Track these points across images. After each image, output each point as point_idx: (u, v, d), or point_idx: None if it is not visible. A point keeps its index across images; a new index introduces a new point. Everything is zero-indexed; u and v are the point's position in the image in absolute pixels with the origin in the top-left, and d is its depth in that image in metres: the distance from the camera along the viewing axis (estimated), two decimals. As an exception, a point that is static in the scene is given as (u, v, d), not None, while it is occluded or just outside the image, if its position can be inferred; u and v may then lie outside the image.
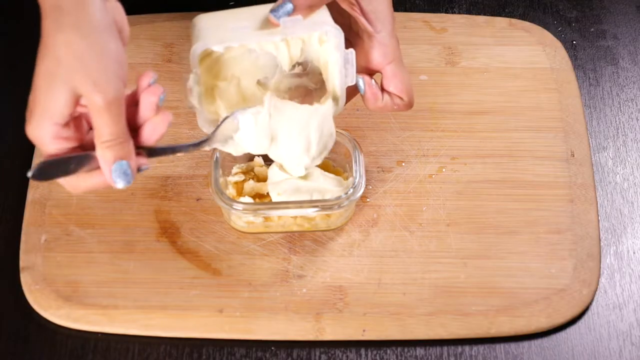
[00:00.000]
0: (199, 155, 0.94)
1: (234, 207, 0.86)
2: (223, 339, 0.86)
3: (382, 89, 0.84)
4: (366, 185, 0.90)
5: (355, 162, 0.88)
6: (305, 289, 0.87)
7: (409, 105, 0.85)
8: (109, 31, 0.72)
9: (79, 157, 0.73)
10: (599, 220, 0.91)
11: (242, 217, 0.88)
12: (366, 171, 0.91)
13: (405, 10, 1.06)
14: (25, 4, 1.07)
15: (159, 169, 0.94)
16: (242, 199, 0.89)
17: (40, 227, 0.90)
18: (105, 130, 0.72)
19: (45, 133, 0.72)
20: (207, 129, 0.84)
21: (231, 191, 0.90)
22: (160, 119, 0.76)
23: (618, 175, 0.96)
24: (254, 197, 0.90)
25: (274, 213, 0.87)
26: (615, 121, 0.99)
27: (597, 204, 0.92)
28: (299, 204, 0.86)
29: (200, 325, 0.86)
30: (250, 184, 0.90)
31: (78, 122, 0.74)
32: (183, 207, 0.92)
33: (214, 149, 0.88)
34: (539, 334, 0.86)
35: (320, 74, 0.85)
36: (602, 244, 0.91)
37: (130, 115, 0.75)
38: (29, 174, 0.72)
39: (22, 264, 0.89)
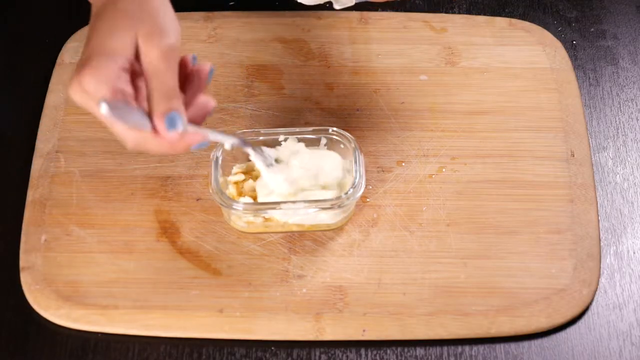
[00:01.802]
0: (199, 155, 0.95)
1: (234, 207, 0.86)
2: (223, 339, 0.86)
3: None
4: (366, 185, 0.90)
5: (355, 162, 0.88)
6: (305, 289, 0.87)
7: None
8: None
9: (136, 109, 0.74)
10: (599, 220, 0.91)
11: (242, 217, 0.88)
12: (366, 171, 0.91)
13: (405, 10, 1.06)
14: (26, 4, 1.07)
15: (159, 169, 0.94)
16: (242, 199, 0.89)
17: (40, 227, 0.90)
18: (161, 80, 0.74)
19: (110, 72, 0.73)
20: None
21: (231, 191, 0.90)
22: (209, 97, 0.78)
23: (618, 175, 0.96)
24: (254, 197, 0.90)
25: (274, 213, 0.87)
26: (615, 121, 0.99)
27: (597, 204, 0.92)
28: (299, 203, 0.86)
29: (200, 325, 0.86)
30: (250, 184, 0.90)
31: (130, 80, 0.75)
32: (183, 207, 0.92)
33: (215, 149, 0.88)
34: (539, 334, 0.86)
35: None
36: (602, 244, 0.91)
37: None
38: (102, 103, 0.71)
39: (22, 264, 0.89)
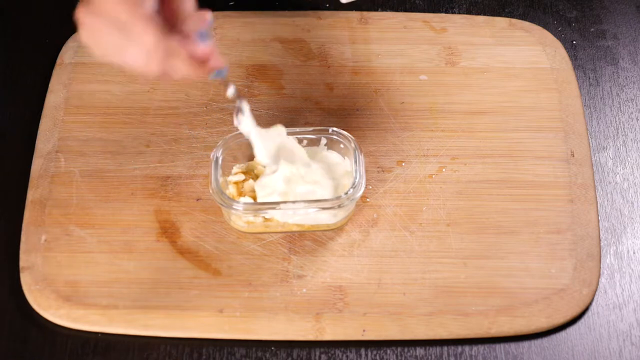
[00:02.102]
0: (199, 155, 0.95)
1: (234, 207, 0.86)
2: (223, 339, 0.86)
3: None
4: (366, 185, 0.91)
5: (355, 162, 0.88)
6: (305, 289, 0.87)
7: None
8: None
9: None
10: (599, 220, 0.91)
11: (242, 217, 0.88)
12: (366, 171, 0.91)
13: (405, 10, 1.06)
14: (26, 4, 1.07)
15: (159, 169, 0.94)
16: (242, 199, 0.89)
17: (40, 227, 0.90)
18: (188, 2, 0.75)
19: None
20: None
21: (231, 191, 0.90)
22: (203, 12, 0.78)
23: (618, 175, 0.96)
24: (253, 197, 0.90)
25: (274, 213, 0.87)
26: (615, 121, 0.99)
27: (597, 204, 0.92)
28: (299, 203, 0.86)
29: (200, 325, 0.86)
30: (250, 184, 0.90)
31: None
32: (183, 207, 0.92)
33: (215, 149, 0.88)
34: (539, 334, 0.86)
35: None
36: (602, 244, 0.91)
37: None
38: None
39: (22, 264, 0.89)
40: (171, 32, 0.75)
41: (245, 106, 0.86)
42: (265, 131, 0.88)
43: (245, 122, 0.86)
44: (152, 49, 0.73)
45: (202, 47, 0.75)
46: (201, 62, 0.75)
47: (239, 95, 0.85)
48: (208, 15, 0.77)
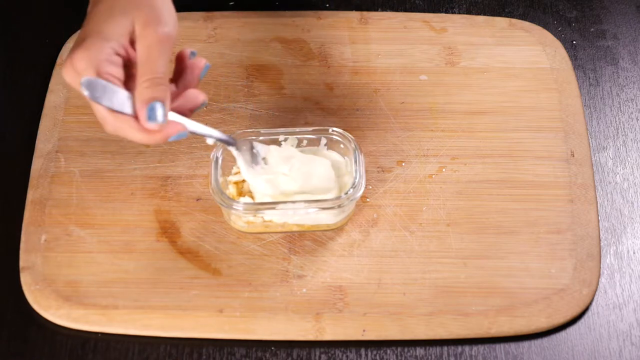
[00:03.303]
0: (199, 155, 0.95)
1: (234, 207, 0.86)
2: (223, 339, 0.86)
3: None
4: (366, 185, 0.91)
5: (355, 162, 0.88)
6: (305, 289, 0.87)
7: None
8: None
9: (122, 92, 0.74)
10: (599, 220, 0.91)
11: (242, 217, 0.88)
12: (366, 171, 0.91)
13: (405, 10, 1.06)
14: (26, 4, 1.07)
15: (159, 169, 0.94)
16: (242, 199, 0.89)
17: (40, 227, 0.90)
18: (151, 66, 0.74)
19: (100, 53, 0.74)
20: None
21: (231, 191, 0.90)
22: (200, 92, 0.79)
23: (618, 175, 0.96)
24: (254, 197, 0.90)
25: (274, 213, 0.87)
26: (615, 121, 0.99)
27: (597, 204, 0.92)
28: (299, 203, 0.86)
29: (200, 325, 0.86)
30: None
31: (122, 65, 0.76)
32: (183, 207, 0.92)
33: (215, 149, 0.88)
34: (539, 334, 0.86)
35: None
36: (602, 244, 0.91)
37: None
38: (84, 80, 0.73)
39: (22, 264, 0.89)
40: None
41: (233, 150, 0.85)
42: (262, 169, 0.88)
43: (240, 166, 0.87)
44: (101, 117, 0.76)
45: (149, 126, 0.75)
46: (153, 133, 0.75)
47: (228, 141, 0.84)
48: (201, 97, 0.78)
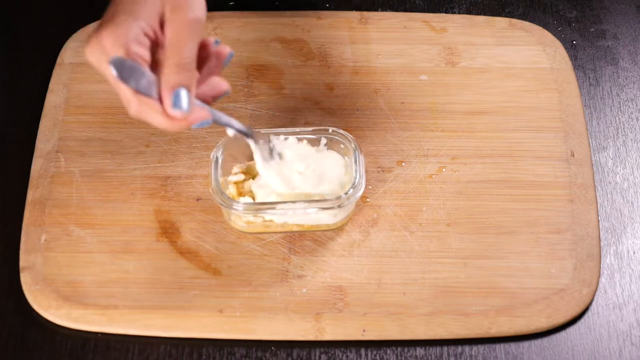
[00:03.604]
0: (199, 155, 0.95)
1: (234, 207, 0.86)
2: (223, 339, 0.86)
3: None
4: (366, 185, 0.91)
5: (355, 162, 0.88)
6: (305, 289, 0.87)
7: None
8: None
9: (149, 74, 0.73)
10: (599, 220, 0.91)
11: (242, 217, 0.88)
12: (366, 171, 0.91)
13: (405, 10, 1.06)
14: (26, 4, 1.07)
15: (159, 169, 0.94)
16: (242, 199, 0.89)
17: (40, 227, 0.90)
18: (180, 50, 0.73)
19: (130, 31, 0.72)
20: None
21: (231, 191, 0.90)
22: (223, 80, 0.78)
23: (618, 175, 0.96)
24: (254, 197, 0.90)
25: (274, 213, 0.87)
26: (615, 121, 0.99)
27: (597, 204, 0.92)
28: (299, 203, 0.86)
29: (200, 325, 0.86)
30: (250, 184, 0.90)
31: (149, 47, 0.75)
32: (183, 207, 0.92)
33: (215, 149, 0.88)
34: (539, 334, 0.86)
35: None
36: (602, 244, 0.91)
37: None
38: (112, 59, 0.71)
39: (22, 264, 0.89)
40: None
41: (252, 143, 0.85)
42: (277, 163, 0.87)
43: (257, 160, 0.86)
44: (126, 100, 0.74)
45: (173, 113, 0.74)
46: (177, 120, 0.74)
47: (247, 133, 0.83)
48: (224, 85, 0.78)
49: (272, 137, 0.87)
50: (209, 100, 0.78)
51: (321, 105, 0.98)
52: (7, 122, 0.99)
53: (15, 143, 0.97)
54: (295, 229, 0.90)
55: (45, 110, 0.98)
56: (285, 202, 0.86)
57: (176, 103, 0.73)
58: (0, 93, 1.02)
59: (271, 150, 0.87)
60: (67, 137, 0.96)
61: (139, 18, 0.73)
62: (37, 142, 0.96)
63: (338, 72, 1.00)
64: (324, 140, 0.91)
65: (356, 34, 1.03)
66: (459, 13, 1.06)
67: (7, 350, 0.86)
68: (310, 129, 0.91)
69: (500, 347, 0.86)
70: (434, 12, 1.06)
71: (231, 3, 1.07)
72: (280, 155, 0.87)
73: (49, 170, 0.94)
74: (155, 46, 0.75)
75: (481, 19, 1.05)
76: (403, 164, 0.94)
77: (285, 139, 0.89)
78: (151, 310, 0.86)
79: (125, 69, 0.72)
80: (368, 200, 0.92)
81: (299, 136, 0.91)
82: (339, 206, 0.86)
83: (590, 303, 0.88)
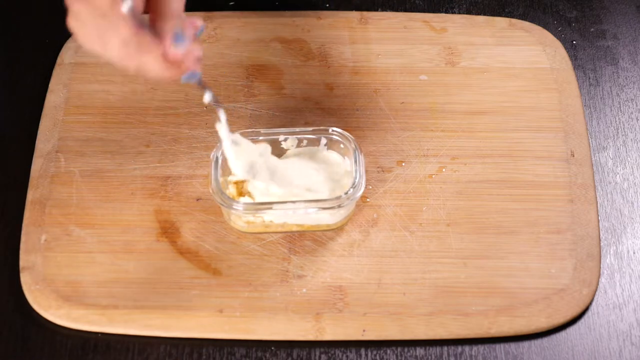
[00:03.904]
0: (199, 155, 0.95)
1: (234, 207, 0.86)
2: (223, 339, 0.86)
3: None
4: (366, 185, 0.91)
5: (355, 162, 0.88)
6: (305, 289, 0.87)
7: None
8: None
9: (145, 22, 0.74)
10: (599, 220, 0.91)
11: (242, 217, 0.88)
12: (366, 171, 0.91)
13: (405, 10, 1.06)
14: (26, 4, 1.07)
15: (159, 169, 0.94)
16: (242, 199, 0.89)
17: (40, 227, 0.90)
18: (171, 3, 0.74)
19: None
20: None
21: (231, 191, 0.90)
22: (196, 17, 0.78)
23: (618, 175, 0.96)
24: (254, 197, 0.90)
25: (274, 213, 0.87)
26: (615, 121, 0.99)
27: (597, 204, 0.92)
28: (299, 203, 0.86)
29: (200, 325, 0.86)
30: (247, 184, 0.90)
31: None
32: (183, 207, 0.92)
33: (215, 149, 0.88)
34: (539, 334, 0.86)
35: None
36: (602, 244, 0.91)
37: None
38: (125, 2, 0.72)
39: (22, 264, 0.89)
40: (153, 32, 0.75)
41: (222, 115, 0.84)
42: (245, 142, 0.87)
43: (221, 130, 0.85)
44: (126, 42, 0.74)
45: (174, 51, 0.74)
46: (174, 63, 0.75)
47: (217, 101, 0.83)
48: (199, 22, 0.78)
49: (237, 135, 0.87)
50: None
51: (321, 105, 0.98)
52: (7, 122, 0.99)
53: (15, 143, 0.97)
54: (295, 229, 0.90)
55: (45, 110, 0.98)
56: (285, 202, 0.86)
57: (177, 38, 0.74)
58: (0, 93, 1.02)
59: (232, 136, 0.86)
60: (67, 137, 0.96)
61: None
62: (37, 142, 0.96)
63: (338, 72, 1.00)
64: (324, 140, 0.91)
65: (356, 34, 1.03)
66: (459, 13, 1.06)
67: (7, 350, 0.86)
68: (310, 129, 0.91)
69: (500, 347, 0.86)
70: (434, 12, 1.06)
71: (231, 3, 1.07)
72: (235, 142, 0.86)
73: (49, 170, 0.94)
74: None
75: (481, 19, 1.05)
76: (403, 164, 0.94)
77: (280, 142, 0.90)
78: (151, 310, 0.86)
79: (131, 8, 0.72)
80: (368, 200, 0.92)
81: (298, 136, 0.91)
82: (339, 206, 0.86)
83: (590, 303, 0.88)
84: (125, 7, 0.72)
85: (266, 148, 0.89)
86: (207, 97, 0.81)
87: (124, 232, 0.90)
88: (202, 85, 0.80)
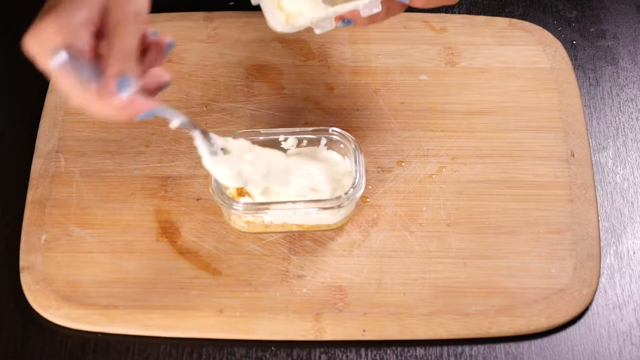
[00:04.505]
0: (199, 155, 0.94)
1: (234, 207, 0.86)
2: (223, 339, 0.86)
3: None
4: (366, 185, 0.91)
5: (355, 162, 0.88)
6: (305, 289, 0.87)
7: None
8: None
9: (89, 66, 0.72)
10: (599, 220, 0.91)
11: (242, 217, 0.88)
12: (366, 171, 0.91)
13: (405, 10, 1.06)
14: (26, 4, 1.07)
15: (159, 169, 0.94)
16: (242, 199, 0.89)
17: (40, 227, 0.90)
18: (121, 41, 0.72)
19: (72, 21, 0.71)
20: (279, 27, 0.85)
21: (231, 191, 0.90)
22: (164, 71, 0.77)
23: (618, 175, 0.96)
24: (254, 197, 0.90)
25: (274, 213, 0.87)
26: (615, 121, 0.99)
27: (597, 204, 0.92)
28: (299, 203, 0.86)
29: (200, 325, 0.86)
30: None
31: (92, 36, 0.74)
32: (183, 207, 0.92)
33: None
34: (539, 334, 0.86)
35: None
36: (602, 244, 0.91)
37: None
38: (61, 52, 0.70)
39: (22, 264, 0.89)
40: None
41: (198, 135, 0.81)
42: (224, 152, 0.84)
43: (199, 149, 0.82)
44: (69, 90, 0.73)
45: (118, 98, 0.72)
46: (123, 108, 0.73)
47: (190, 124, 0.80)
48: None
49: (211, 134, 0.83)
50: (152, 93, 0.76)
51: (321, 105, 0.98)
52: (7, 122, 0.99)
53: (15, 143, 0.97)
54: (295, 229, 0.90)
55: (45, 110, 0.98)
56: (285, 202, 0.86)
57: (122, 85, 0.71)
58: (0, 93, 1.02)
59: (213, 146, 0.83)
60: (67, 137, 0.96)
61: (81, 8, 0.72)
62: (37, 142, 0.96)
63: (338, 72, 1.00)
64: (324, 140, 0.91)
65: (356, 34, 1.03)
66: (459, 13, 1.06)
67: (7, 350, 0.86)
68: (310, 129, 0.91)
69: (500, 347, 0.86)
70: (433, 12, 1.06)
71: (231, 3, 1.07)
72: (224, 150, 0.84)
73: (49, 170, 0.94)
74: (97, 37, 0.74)
75: (481, 19, 1.05)
76: (403, 164, 0.94)
77: (280, 142, 0.90)
78: (151, 310, 0.86)
79: (68, 60, 0.70)
80: (368, 200, 0.92)
81: (298, 136, 0.91)
82: (339, 206, 0.86)
83: (590, 303, 0.88)
84: (54, 63, 0.70)
85: (247, 146, 0.86)
86: (174, 124, 0.78)
87: (124, 232, 0.90)
88: (165, 115, 0.77)
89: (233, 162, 0.84)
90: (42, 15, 0.73)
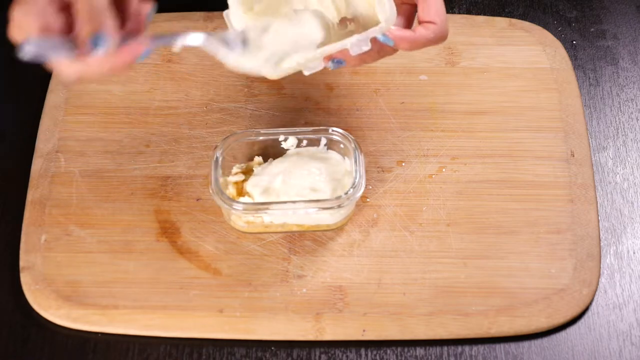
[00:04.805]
0: (199, 155, 0.95)
1: (234, 207, 0.86)
2: (223, 339, 0.86)
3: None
4: (366, 185, 0.91)
5: (355, 162, 0.88)
6: (305, 289, 0.87)
7: (442, 32, 0.81)
8: None
9: (65, 41, 0.70)
10: (599, 220, 0.91)
11: (242, 217, 0.88)
12: (366, 171, 0.91)
13: (405, 11, 1.06)
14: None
15: (159, 169, 0.94)
16: (242, 199, 0.89)
17: (40, 227, 0.90)
18: (87, 2, 0.70)
19: (37, 3, 0.70)
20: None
21: (231, 191, 0.90)
22: (142, 3, 0.74)
23: (618, 175, 0.96)
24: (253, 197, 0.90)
25: (274, 213, 0.87)
26: (615, 121, 0.99)
27: (597, 204, 0.92)
28: (299, 203, 0.86)
29: (200, 325, 0.86)
30: (245, 184, 0.90)
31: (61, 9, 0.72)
32: (183, 207, 0.92)
33: (215, 149, 0.88)
34: (539, 334, 0.86)
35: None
36: (602, 244, 0.91)
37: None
38: (26, 46, 0.69)
39: (22, 264, 0.89)
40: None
41: (206, 41, 0.76)
42: (246, 48, 0.78)
43: (220, 55, 0.77)
44: (62, 69, 0.72)
45: (97, 57, 0.70)
46: (108, 62, 0.71)
47: (193, 35, 0.75)
48: (146, 7, 0.73)
49: (220, 33, 0.78)
50: (140, 29, 0.74)
51: (321, 105, 0.98)
52: (7, 122, 0.99)
53: (15, 143, 0.97)
54: (295, 229, 0.90)
55: (45, 110, 0.98)
56: (284, 202, 0.86)
57: (97, 44, 0.70)
58: (1, 93, 1.02)
59: (238, 38, 0.78)
60: (67, 137, 0.96)
61: None
62: (37, 142, 0.96)
63: (338, 72, 1.00)
64: (324, 140, 0.91)
65: (356, 34, 1.03)
66: (459, 13, 1.06)
67: (7, 350, 0.86)
68: (310, 129, 0.91)
69: (500, 347, 0.86)
70: (433, 12, 1.06)
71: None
72: (244, 42, 0.79)
73: (49, 170, 0.94)
74: (68, 10, 0.72)
75: (481, 19, 1.05)
76: (403, 164, 0.94)
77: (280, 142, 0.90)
78: (151, 310, 0.86)
79: (43, 46, 0.70)
80: (368, 200, 0.92)
81: (298, 136, 0.91)
82: (339, 206, 0.86)
83: (590, 303, 0.88)
84: (25, 57, 0.69)
85: (261, 26, 0.81)
86: (177, 47, 0.75)
87: (124, 232, 0.90)
88: (165, 44, 0.74)
89: (258, 46, 0.79)
90: (13, 4, 0.72)
